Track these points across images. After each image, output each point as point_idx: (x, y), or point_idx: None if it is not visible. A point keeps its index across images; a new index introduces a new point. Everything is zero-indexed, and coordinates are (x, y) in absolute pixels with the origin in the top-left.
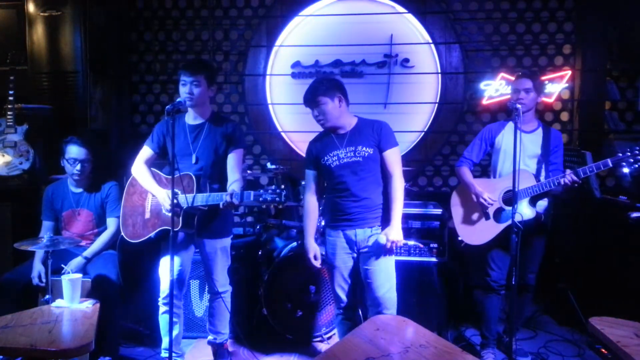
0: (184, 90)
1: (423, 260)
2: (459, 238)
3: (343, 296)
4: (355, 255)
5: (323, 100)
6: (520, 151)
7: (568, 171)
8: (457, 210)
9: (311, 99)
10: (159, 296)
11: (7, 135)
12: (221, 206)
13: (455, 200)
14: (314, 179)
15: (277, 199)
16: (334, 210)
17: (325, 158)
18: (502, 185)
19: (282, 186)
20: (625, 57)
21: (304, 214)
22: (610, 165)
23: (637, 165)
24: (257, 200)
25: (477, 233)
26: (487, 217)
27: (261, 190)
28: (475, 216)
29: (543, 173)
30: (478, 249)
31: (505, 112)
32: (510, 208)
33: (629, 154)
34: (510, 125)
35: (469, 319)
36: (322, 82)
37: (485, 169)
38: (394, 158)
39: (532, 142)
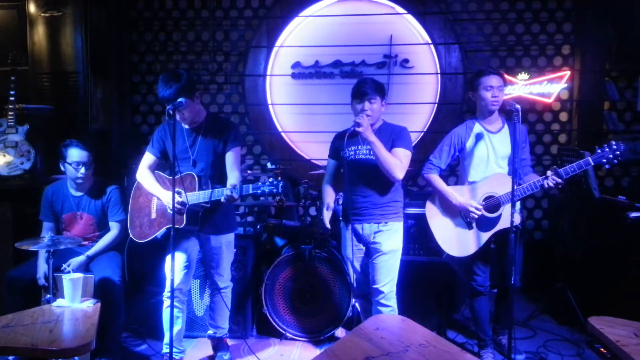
0: (178, 115)
1: (422, 259)
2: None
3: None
4: (363, 248)
5: (378, 99)
6: (492, 154)
7: (549, 172)
8: (435, 222)
9: (371, 94)
10: (164, 290)
11: (8, 136)
12: (223, 200)
13: (431, 212)
14: (334, 168)
15: (274, 190)
16: (346, 204)
17: (344, 151)
18: (480, 191)
19: (279, 178)
20: (624, 57)
21: (322, 193)
22: (592, 162)
23: (616, 161)
24: (256, 192)
25: (461, 244)
26: (470, 227)
27: (259, 183)
28: (456, 226)
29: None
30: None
31: (504, 112)
32: (493, 215)
33: (607, 149)
34: (477, 127)
35: (467, 319)
36: (379, 83)
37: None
38: (397, 156)
39: (502, 142)
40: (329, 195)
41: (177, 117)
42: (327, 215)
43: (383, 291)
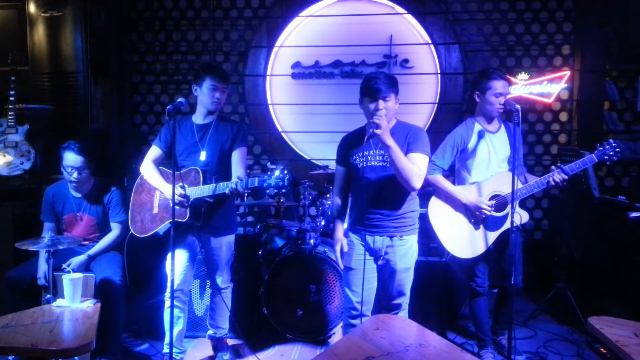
0: (213, 95)
1: (422, 259)
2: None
3: (356, 300)
4: (373, 261)
5: (393, 96)
6: (493, 155)
7: (553, 168)
8: (439, 223)
9: (385, 91)
10: (165, 291)
11: (8, 136)
12: (228, 192)
13: (434, 212)
14: (343, 175)
15: (280, 183)
16: (356, 213)
17: (354, 157)
18: (485, 190)
19: (285, 171)
20: (624, 57)
21: (331, 213)
22: (596, 159)
23: (616, 158)
24: (262, 185)
25: (468, 245)
26: (477, 227)
27: (265, 176)
28: (462, 227)
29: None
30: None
31: (504, 112)
32: (500, 214)
33: (608, 147)
34: (477, 127)
35: (467, 319)
36: (392, 77)
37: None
38: (414, 162)
39: (501, 143)
40: (338, 229)
41: (216, 96)
42: (338, 249)
43: (401, 305)
